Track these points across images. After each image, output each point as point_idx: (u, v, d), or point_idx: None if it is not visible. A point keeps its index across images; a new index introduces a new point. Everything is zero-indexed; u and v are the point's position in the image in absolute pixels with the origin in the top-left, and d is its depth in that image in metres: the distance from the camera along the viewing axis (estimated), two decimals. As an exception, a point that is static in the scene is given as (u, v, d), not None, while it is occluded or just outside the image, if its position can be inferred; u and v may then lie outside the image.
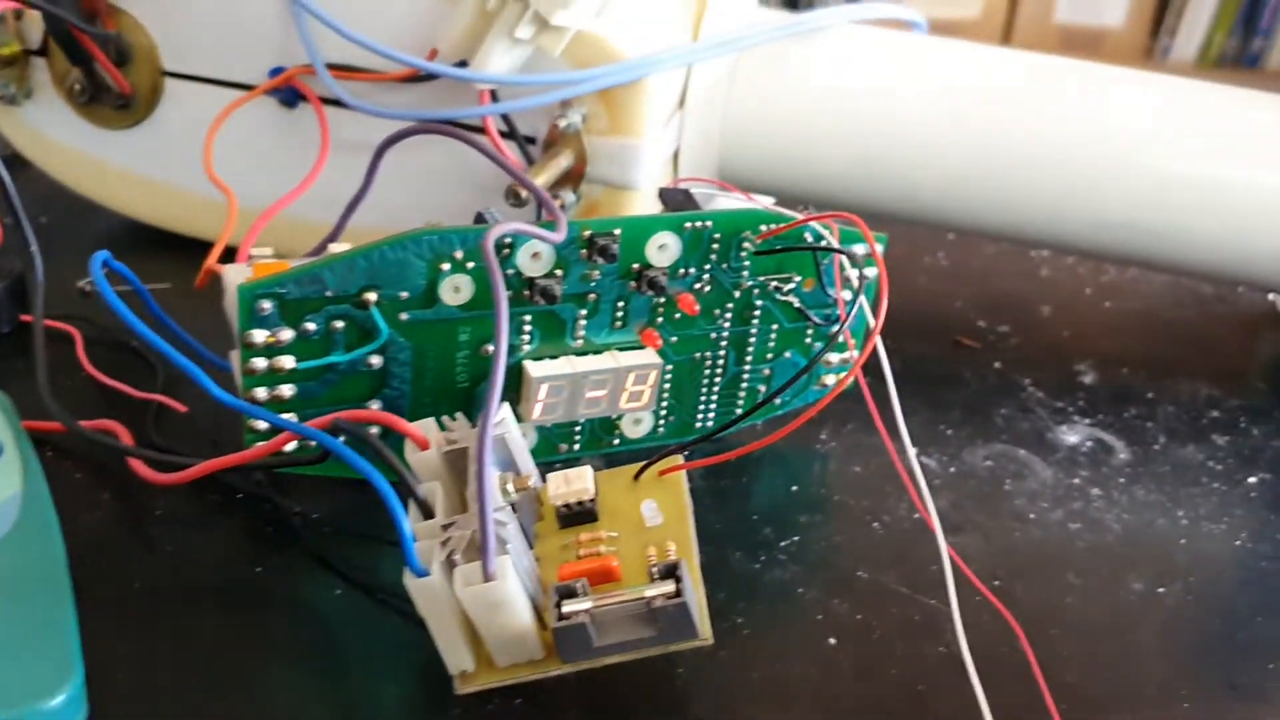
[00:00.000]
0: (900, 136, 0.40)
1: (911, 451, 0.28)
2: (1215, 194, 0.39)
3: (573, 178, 0.37)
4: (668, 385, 0.33)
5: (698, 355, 0.33)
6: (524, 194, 0.35)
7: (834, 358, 0.35)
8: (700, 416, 0.34)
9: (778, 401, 0.35)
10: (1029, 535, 0.32)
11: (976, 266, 0.48)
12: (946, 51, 0.42)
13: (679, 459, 0.27)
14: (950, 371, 0.40)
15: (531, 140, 0.38)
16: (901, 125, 0.40)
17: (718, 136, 0.41)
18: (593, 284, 0.30)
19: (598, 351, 0.31)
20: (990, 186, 0.40)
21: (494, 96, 0.36)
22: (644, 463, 0.27)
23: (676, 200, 0.31)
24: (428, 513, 0.25)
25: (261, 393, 0.28)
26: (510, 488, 0.25)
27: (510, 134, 0.37)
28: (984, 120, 0.40)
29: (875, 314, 0.33)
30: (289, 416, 0.29)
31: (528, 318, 0.30)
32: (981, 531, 0.32)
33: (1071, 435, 0.36)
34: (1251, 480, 0.35)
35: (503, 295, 0.24)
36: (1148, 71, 0.41)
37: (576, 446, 0.33)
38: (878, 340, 0.29)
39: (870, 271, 0.33)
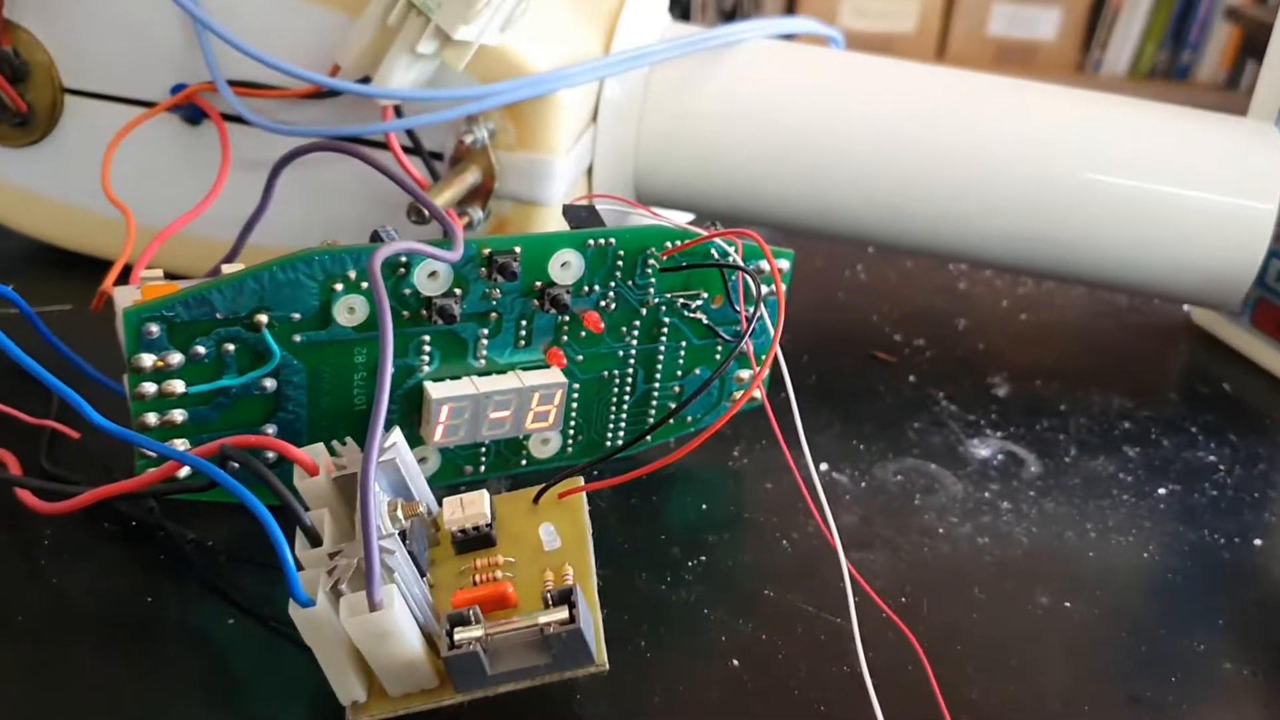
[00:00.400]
0: (814, 152, 0.40)
1: (813, 468, 0.27)
2: (1127, 207, 0.39)
3: (481, 194, 0.37)
4: (575, 404, 0.32)
5: (605, 373, 0.32)
6: (426, 211, 0.34)
7: (745, 374, 0.34)
8: (610, 435, 0.33)
9: (689, 419, 0.34)
10: (937, 550, 0.31)
11: (895, 280, 0.48)
12: (862, 67, 0.42)
13: (578, 480, 0.27)
14: (865, 385, 0.40)
15: (439, 156, 0.37)
16: (816, 140, 0.40)
17: (631, 151, 0.41)
18: (494, 303, 0.30)
19: (501, 371, 0.31)
20: (904, 202, 0.40)
21: (398, 112, 0.36)
22: (543, 485, 0.27)
23: (580, 217, 0.31)
24: (315, 540, 0.24)
25: (152, 418, 0.28)
26: (400, 514, 0.24)
27: (415, 149, 0.36)
28: (898, 135, 0.40)
29: (780, 328, 0.33)
30: (181, 442, 0.28)
31: (427, 338, 0.29)
32: (890, 547, 0.31)
33: (983, 448, 0.36)
34: (1161, 491, 0.35)
35: (387, 317, 0.24)
36: (1062, 85, 0.42)
37: (482, 468, 0.32)
38: (778, 355, 0.29)
39: (781, 287, 0.33)
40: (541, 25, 0.37)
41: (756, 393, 0.35)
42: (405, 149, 0.36)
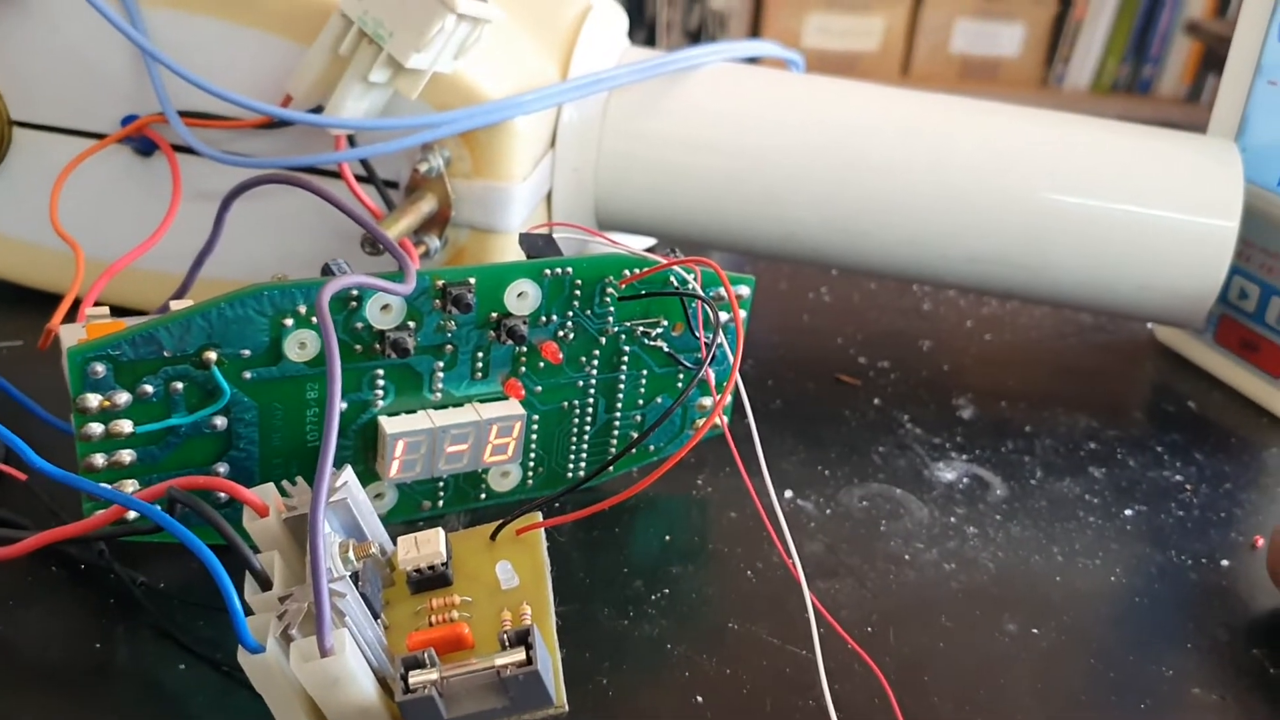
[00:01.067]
0: (775, 175, 0.40)
1: (775, 498, 0.27)
2: (1088, 227, 0.39)
3: (438, 222, 0.36)
4: (535, 436, 0.32)
5: (565, 404, 0.32)
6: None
7: (707, 401, 0.34)
8: (571, 466, 0.33)
9: (651, 449, 0.34)
10: (903, 578, 0.31)
11: (859, 302, 0.48)
12: (821, 89, 0.42)
13: (536, 516, 0.27)
14: (830, 410, 0.39)
15: (394, 185, 0.37)
16: (776, 163, 0.40)
17: (591, 176, 0.41)
18: (449, 335, 0.29)
19: (458, 404, 0.30)
20: (865, 224, 0.40)
21: (352, 141, 0.35)
22: (500, 521, 0.26)
23: (537, 246, 0.31)
24: (265, 584, 0.23)
25: (99, 459, 0.27)
26: (352, 555, 0.24)
27: (370, 178, 0.36)
28: (858, 158, 0.40)
29: (739, 356, 0.33)
30: (130, 483, 0.27)
31: (381, 372, 0.29)
32: (856, 576, 0.31)
33: (949, 472, 0.36)
34: (1128, 513, 0.35)
35: (335, 355, 0.23)
36: (1024, 103, 0.42)
37: (441, 503, 0.32)
38: (738, 382, 0.28)
39: (740, 314, 0.33)
40: (497, 52, 0.37)
41: (719, 421, 0.34)
42: (360, 178, 0.36)
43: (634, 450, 0.33)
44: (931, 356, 0.44)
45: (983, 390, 0.41)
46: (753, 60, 0.45)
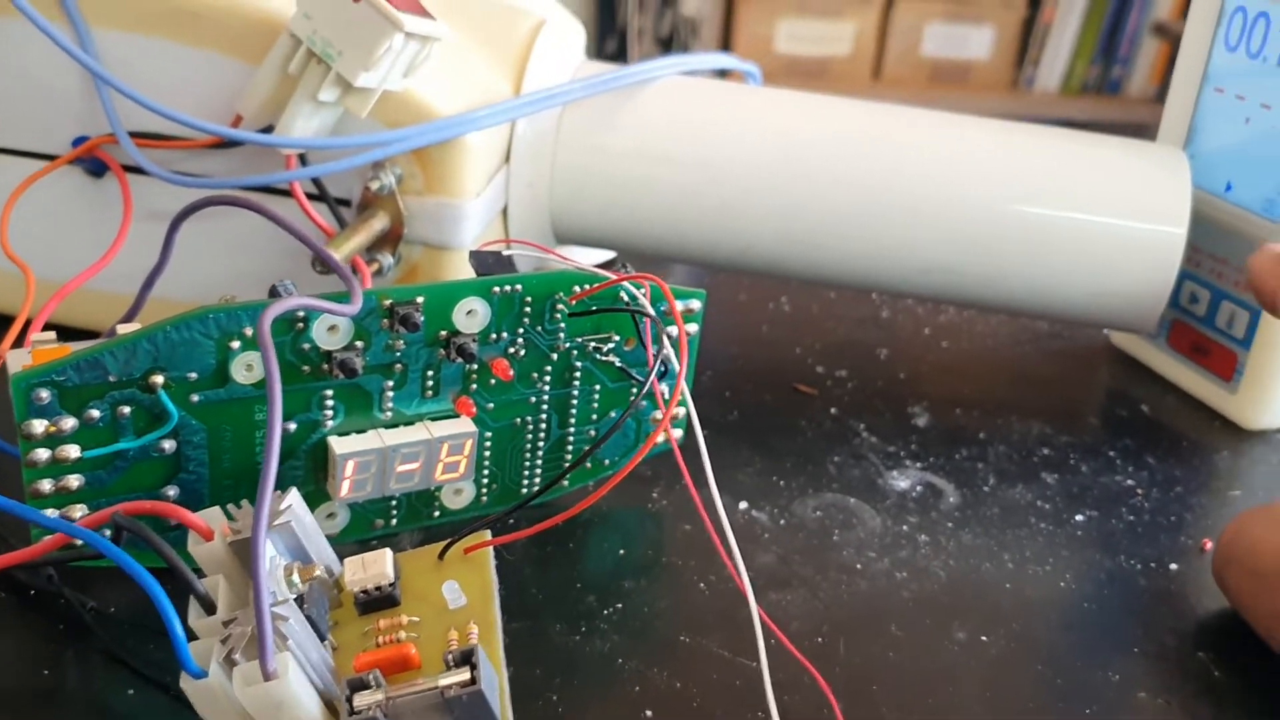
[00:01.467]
0: (730, 188, 0.40)
1: (722, 513, 0.27)
2: (1040, 237, 0.39)
3: (391, 239, 0.36)
4: (488, 453, 0.32)
5: (518, 420, 0.32)
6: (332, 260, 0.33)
7: (659, 415, 0.34)
8: (526, 482, 0.33)
9: (606, 463, 0.34)
10: (855, 588, 0.31)
11: (818, 311, 0.48)
12: (776, 102, 0.42)
13: (484, 535, 0.27)
14: (787, 420, 0.40)
15: (346, 203, 0.37)
16: (731, 176, 0.40)
17: (546, 191, 0.41)
18: (398, 354, 0.29)
19: (409, 422, 0.30)
20: (819, 236, 0.40)
21: (303, 160, 0.35)
22: (447, 541, 0.26)
23: (487, 263, 0.31)
24: (209, 608, 0.23)
25: (46, 485, 0.27)
26: (297, 578, 0.24)
27: (321, 196, 0.36)
28: (812, 169, 0.40)
29: (692, 369, 0.33)
30: (79, 508, 0.27)
31: (330, 392, 0.29)
32: (808, 586, 0.31)
33: (902, 480, 0.36)
34: (1079, 519, 0.35)
35: (275, 380, 0.23)
36: (974, 115, 0.42)
37: (394, 521, 0.32)
38: (686, 395, 0.29)
39: (691, 328, 0.33)
40: (449, 68, 0.37)
41: (678, 432, 0.35)
42: (312, 196, 0.36)
43: (587, 464, 0.33)
44: (888, 365, 0.44)
45: (938, 398, 0.42)
46: (712, 73, 0.45)
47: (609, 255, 0.48)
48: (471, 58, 0.40)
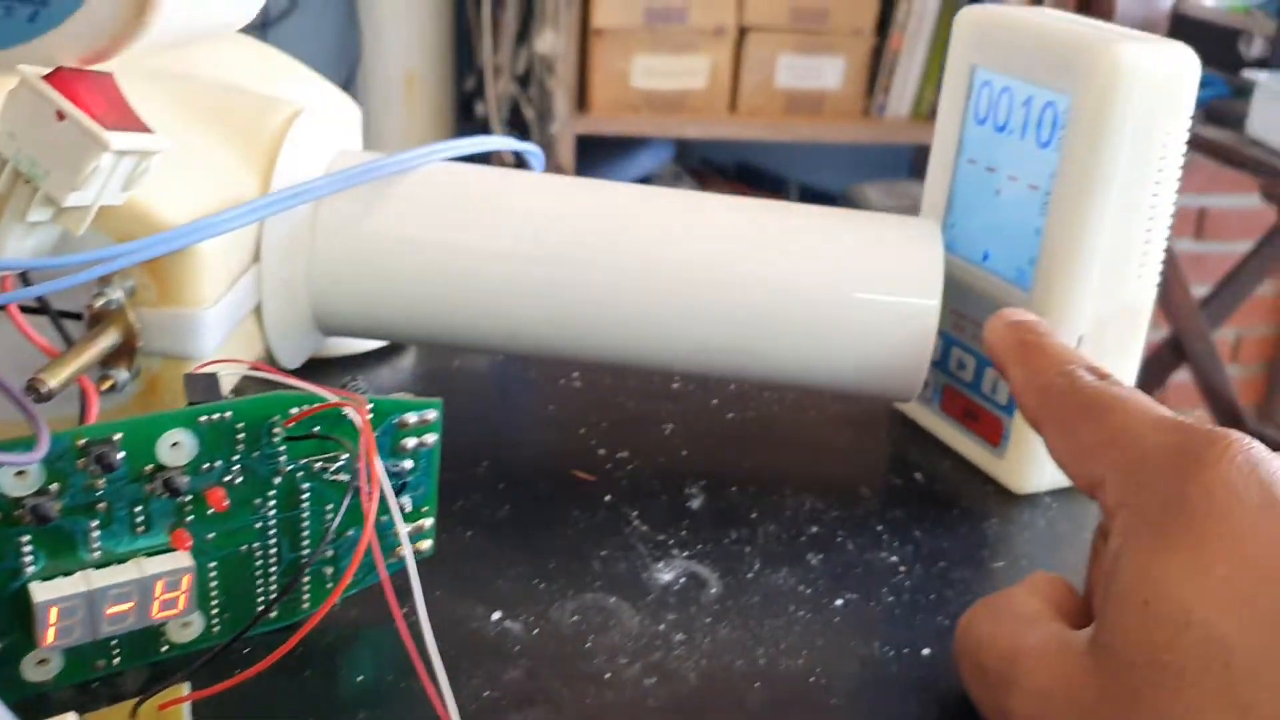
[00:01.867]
0: (494, 274, 0.40)
1: (429, 637, 0.26)
2: (801, 312, 0.39)
3: (125, 353, 0.35)
4: (215, 583, 0.31)
5: (244, 548, 0.31)
6: (45, 388, 0.32)
7: (406, 527, 0.33)
8: (261, 608, 0.32)
9: (349, 581, 0.33)
10: (602, 699, 0.31)
11: (609, 384, 0.48)
12: (539, 187, 0.42)
13: (181, 689, 0.25)
14: (559, 512, 0.39)
15: (77, 316, 0.35)
16: (495, 263, 0.40)
17: (304, 285, 0.40)
18: (99, 493, 0.28)
19: (122, 560, 0.29)
20: (584, 321, 0.40)
21: (25, 279, 0.34)
22: (137, 699, 0.25)
23: (197, 390, 0.30)
24: None
25: None
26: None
27: (44, 310, 0.34)
28: (572, 255, 0.40)
29: (434, 479, 0.32)
30: None
31: (26, 538, 0.27)
32: (553, 702, 0.31)
33: (667, 572, 0.36)
34: (839, 603, 0.35)
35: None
36: (736, 197, 0.42)
37: (117, 660, 0.30)
38: (396, 517, 0.28)
39: (429, 438, 0.32)
40: (186, 171, 0.36)
41: (427, 543, 0.34)
42: (34, 310, 0.34)
43: (327, 584, 0.32)
44: (672, 441, 0.44)
45: (716, 475, 0.42)
46: (487, 158, 0.44)
47: (376, 344, 0.47)
48: (215, 155, 0.38)
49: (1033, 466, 0.41)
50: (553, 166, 1.94)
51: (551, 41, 1.90)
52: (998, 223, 0.41)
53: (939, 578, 0.37)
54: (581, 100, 1.95)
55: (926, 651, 0.33)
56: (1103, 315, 0.39)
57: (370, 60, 2.06)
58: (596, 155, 2.01)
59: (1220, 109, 1.38)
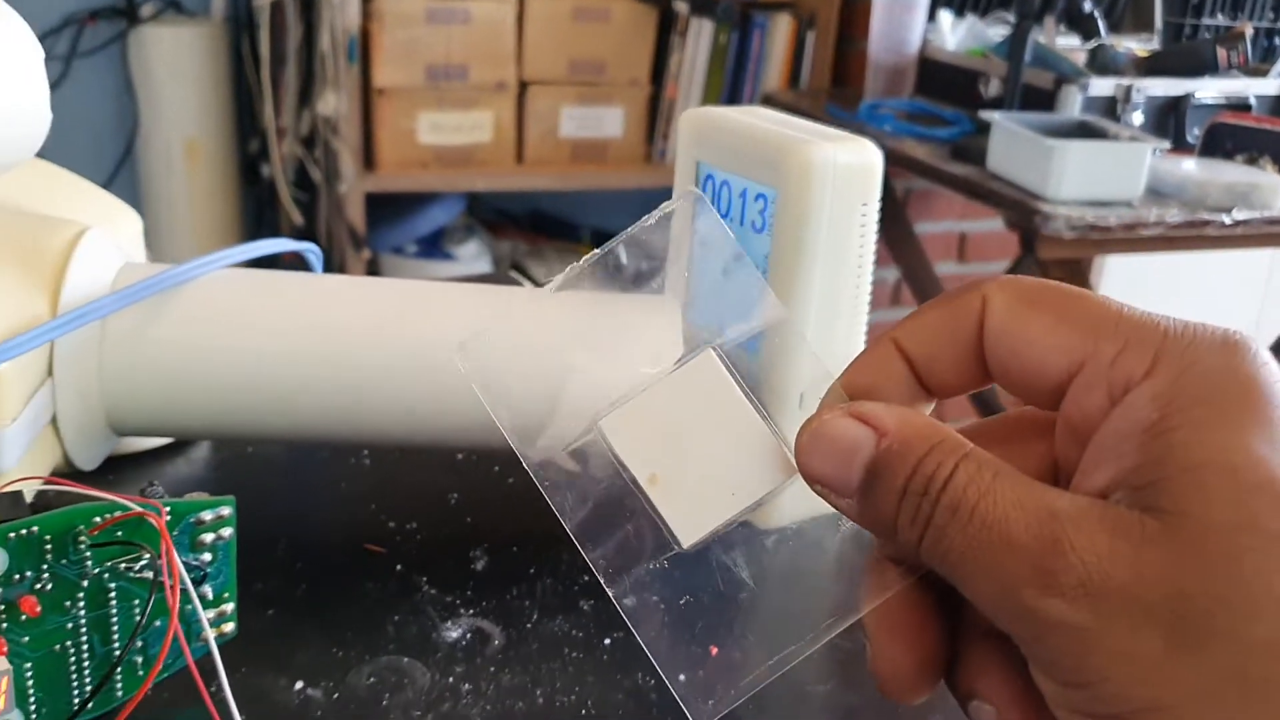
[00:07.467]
0: (268, 373, 0.43)
1: (235, 711, 0.30)
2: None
3: (-73, 475, 0.37)
4: (31, 682, 0.33)
5: (58, 647, 0.34)
6: None
7: (209, 613, 0.36)
8: (77, 699, 0.34)
9: (159, 668, 0.36)
10: (398, 750, 0.35)
11: (397, 460, 0.52)
12: (307, 288, 0.45)
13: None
14: (353, 584, 0.43)
15: (-124, 445, 0.37)
16: (266, 363, 0.43)
17: (96, 394, 0.43)
18: (-85, 612, 0.30)
19: (-60, 670, 0.31)
20: (353, 406, 0.44)
21: None
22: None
23: (4, 508, 0.32)
24: None
25: None
26: None
27: None
28: (338, 351, 0.43)
29: (231, 566, 0.36)
30: None
31: None
32: (353, 758, 0.34)
33: (454, 630, 0.40)
34: (607, 642, 0.40)
35: None
36: (485, 285, 0.47)
37: (-61, 764, 0.33)
38: (190, 605, 0.31)
39: (225, 531, 0.36)
40: (-26, 299, 0.38)
41: (230, 626, 0.37)
42: None
43: (138, 672, 0.35)
44: (458, 510, 0.48)
45: (498, 537, 0.46)
46: (273, 259, 0.48)
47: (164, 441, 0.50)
48: (3, 280, 0.41)
49: (774, 505, 0.47)
50: (343, 226, 1.95)
51: (334, 103, 1.92)
52: (730, 295, 0.47)
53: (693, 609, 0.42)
54: (368, 158, 1.97)
55: (683, 677, 0.39)
56: (820, 373, 0.46)
57: (148, 127, 2.04)
58: (387, 211, 2.04)
59: (965, 146, 1.51)
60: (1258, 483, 0.23)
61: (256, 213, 2.22)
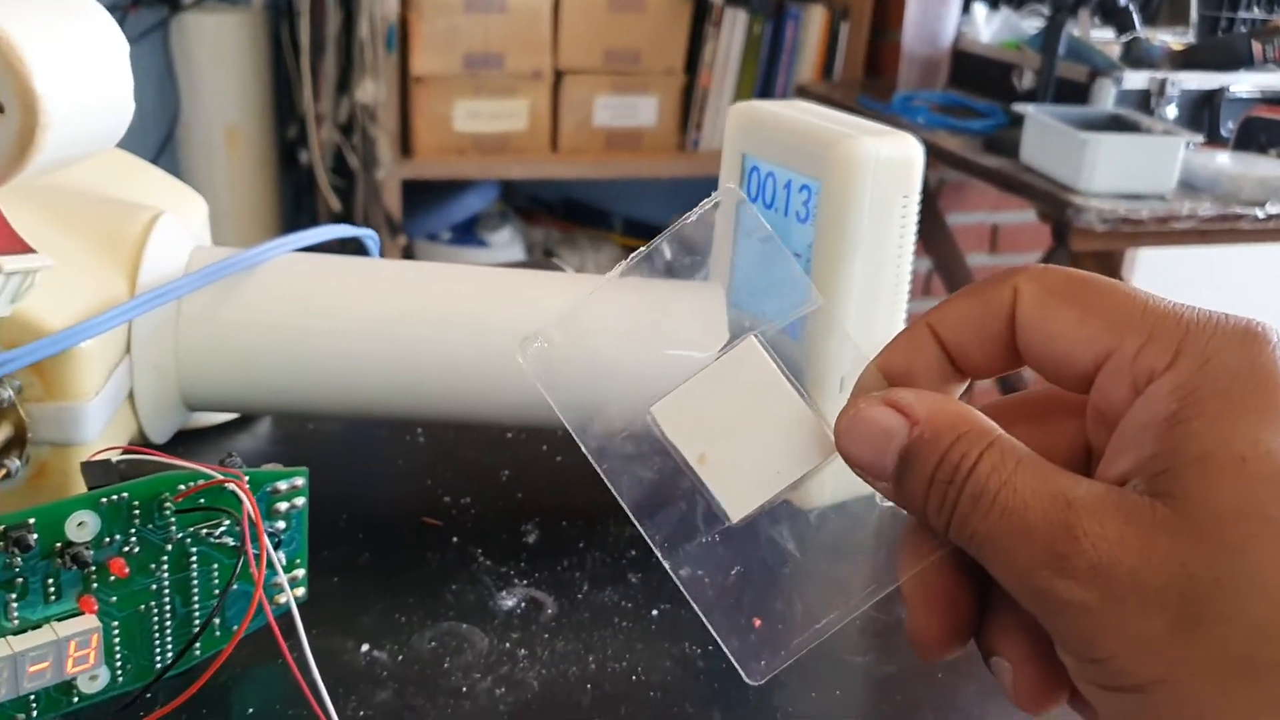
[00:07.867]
0: (334, 350, 0.45)
1: (314, 667, 0.32)
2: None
3: (16, 444, 0.40)
4: (118, 639, 0.36)
5: (142, 607, 0.36)
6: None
7: (283, 578, 0.39)
8: (159, 659, 0.37)
9: (234, 629, 0.38)
10: (460, 709, 0.37)
11: (451, 438, 0.54)
12: (370, 271, 0.47)
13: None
14: (414, 554, 0.45)
15: (-29, 415, 0.39)
16: (333, 340, 0.45)
17: (172, 372, 0.45)
18: (17, 570, 0.33)
19: (37, 626, 0.34)
20: (416, 384, 0.46)
21: (-79, 384, 0.38)
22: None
23: (96, 475, 0.35)
24: None
25: None
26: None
27: (-58, 416, 0.38)
28: (402, 329, 0.46)
29: (303, 534, 0.38)
30: None
31: (-45, 614, 0.32)
32: (418, 715, 0.36)
33: (509, 599, 0.42)
34: (654, 613, 0.42)
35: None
36: (542, 271, 0.49)
37: (35, 713, 0.35)
38: (275, 560, 0.33)
39: (298, 501, 0.38)
40: (62, 279, 0.41)
41: (300, 590, 0.39)
42: (-67, 415, 0.38)
43: (216, 633, 0.37)
44: (508, 486, 0.50)
45: (548, 512, 0.48)
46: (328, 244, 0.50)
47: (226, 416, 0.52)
48: (86, 261, 0.43)
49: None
50: (380, 212, 1.98)
51: (372, 91, 1.94)
52: (771, 284, 0.49)
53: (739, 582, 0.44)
54: (405, 145, 1.99)
55: (735, 641, 0.40)
56: (859, 358, 0.47)
57: (189, 113, 2.07)
58: (423, 198, 2.06)
59: (999, 138, 1.52)
60: (1266, 473, 0.24)
61: (295, 198, 2.25)
